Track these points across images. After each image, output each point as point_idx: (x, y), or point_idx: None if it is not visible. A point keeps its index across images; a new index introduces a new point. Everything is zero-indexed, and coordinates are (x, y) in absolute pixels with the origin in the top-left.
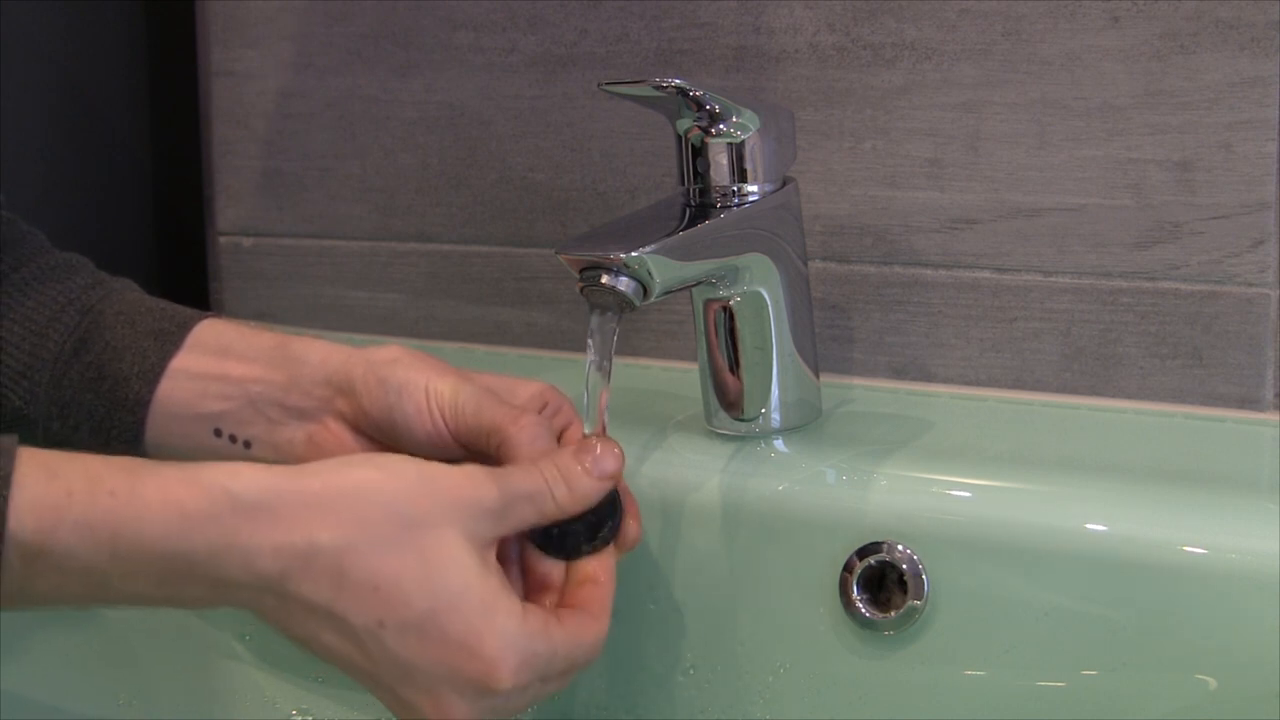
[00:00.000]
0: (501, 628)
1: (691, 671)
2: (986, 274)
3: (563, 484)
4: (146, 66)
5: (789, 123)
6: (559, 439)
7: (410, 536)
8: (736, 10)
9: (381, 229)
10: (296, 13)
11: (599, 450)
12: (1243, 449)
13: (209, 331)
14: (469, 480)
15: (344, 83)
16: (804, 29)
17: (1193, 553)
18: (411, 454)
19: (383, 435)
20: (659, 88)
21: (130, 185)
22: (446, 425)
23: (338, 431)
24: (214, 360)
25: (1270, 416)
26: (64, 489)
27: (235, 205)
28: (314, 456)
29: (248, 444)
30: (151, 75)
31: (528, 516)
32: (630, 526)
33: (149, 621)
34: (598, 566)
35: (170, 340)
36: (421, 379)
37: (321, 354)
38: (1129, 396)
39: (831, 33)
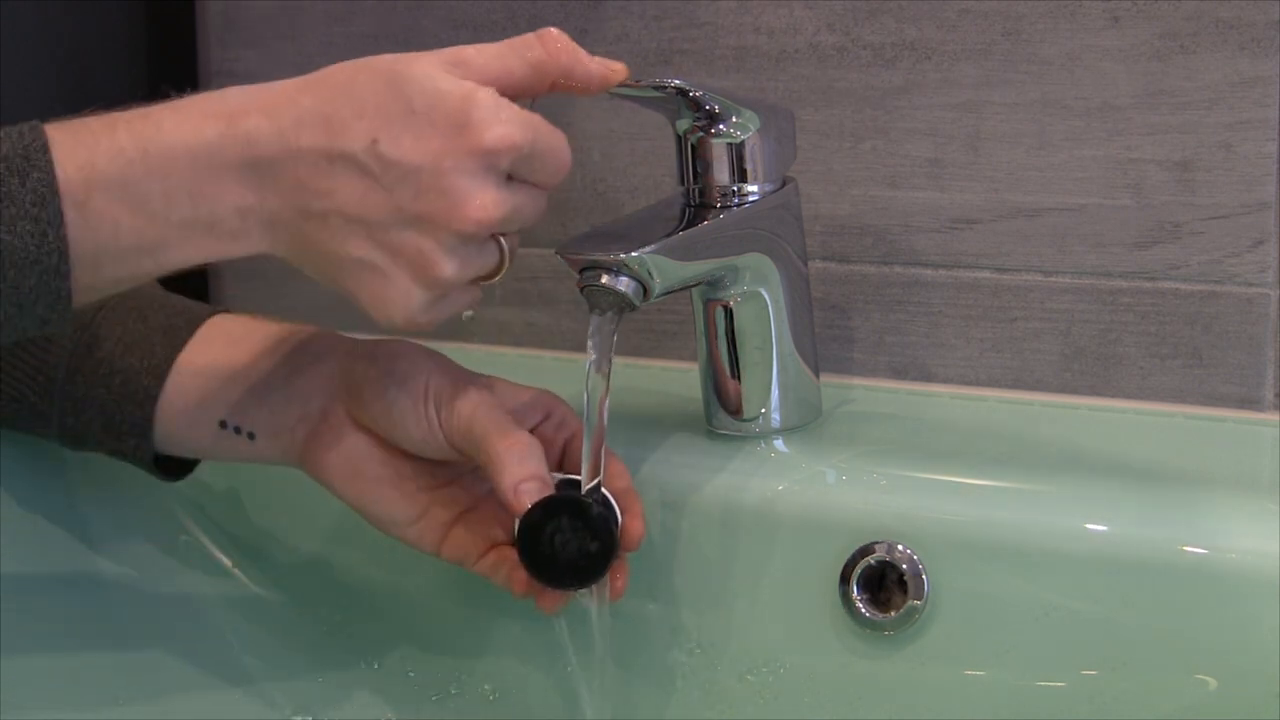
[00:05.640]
0: (481, 91)
1: (691, 671)
2: (986, 274)
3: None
4: (146, 66)
5: (789, 123)
6: (562, 451)
7: (381, 71)
8: (736, 10)
9: None
10: (296, 13)
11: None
12: (1243, 449)
13: (218, 327)
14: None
15: None
16: (804, 29)
17: (1193, 553)
18: (408, 451)
19: (380, 429)
20: (659, 88)
21: None
22: (440, 426)
23: (338, 423)
24: (220, 352)
25: (1270, 416)
26: (89, 134)
27: None
28: (315, 448)
29: (251, 435)
30: (151, 75)
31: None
32: (634, 527)
33: (150, 620)
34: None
35: (179, 336)
36: (423, 375)
37: (328, 344)
38: (1129, 396)
39: (831, 33)
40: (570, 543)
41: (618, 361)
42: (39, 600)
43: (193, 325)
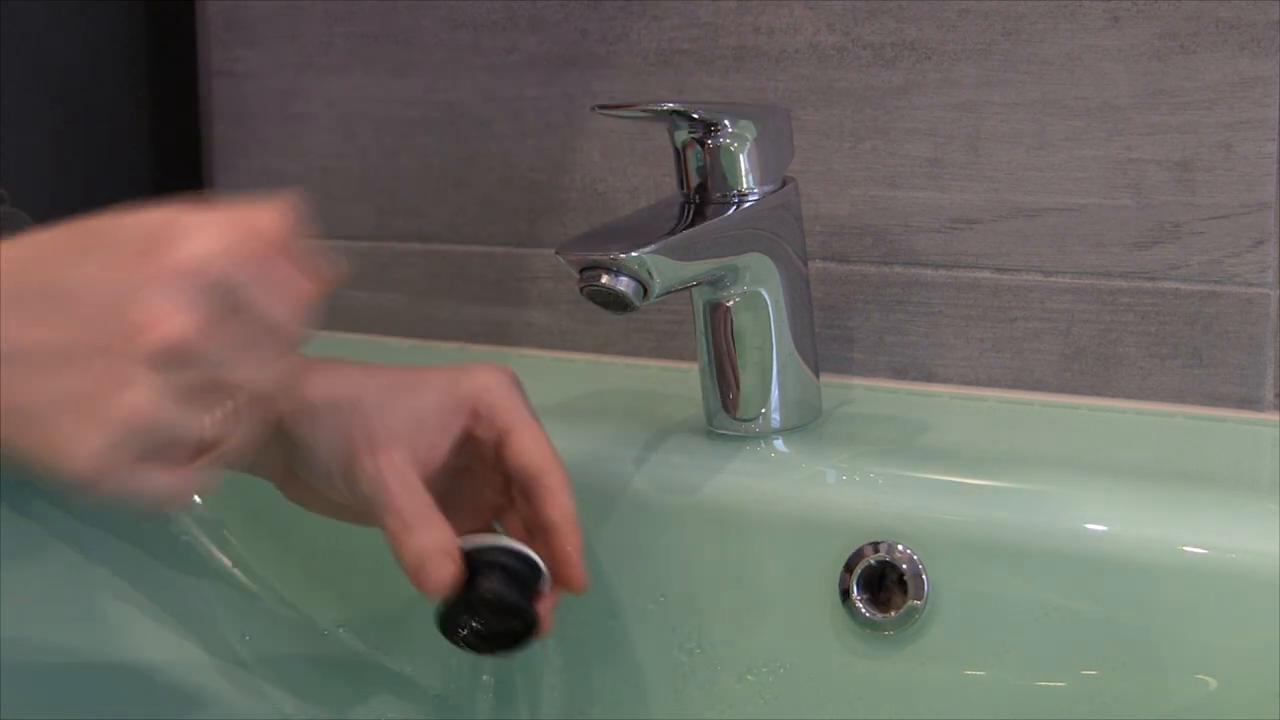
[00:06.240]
0: (186, 217)
1: (691, 671)
2: (986, 274)
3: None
4: (146, 66)
5: (785, 122)
6: (497, 447)
7: (89, 220)
8: (736, 10)
9: (381, 229)
10: (296, 13)
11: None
12: (1243, 449)
13: None
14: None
15: (344, 83)
16: (804, 29)
17: (1193, 553)
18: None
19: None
20: (654, 112)
21: (130, 185)
22: (349, 504)
23: (295, 480)
24: None
25: (1270, 416)
26: None
27: None
28: (290, 492)
29: (246, 470)
30: (151, 75)
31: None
32: (570, 577)
33: (149, 620)
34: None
35: None
36: (323, 451)
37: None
38: (1129, 396)
39: (831, 33)
40: (491, 625)
41: (618, 361)
42: (37, 601)
43: None
